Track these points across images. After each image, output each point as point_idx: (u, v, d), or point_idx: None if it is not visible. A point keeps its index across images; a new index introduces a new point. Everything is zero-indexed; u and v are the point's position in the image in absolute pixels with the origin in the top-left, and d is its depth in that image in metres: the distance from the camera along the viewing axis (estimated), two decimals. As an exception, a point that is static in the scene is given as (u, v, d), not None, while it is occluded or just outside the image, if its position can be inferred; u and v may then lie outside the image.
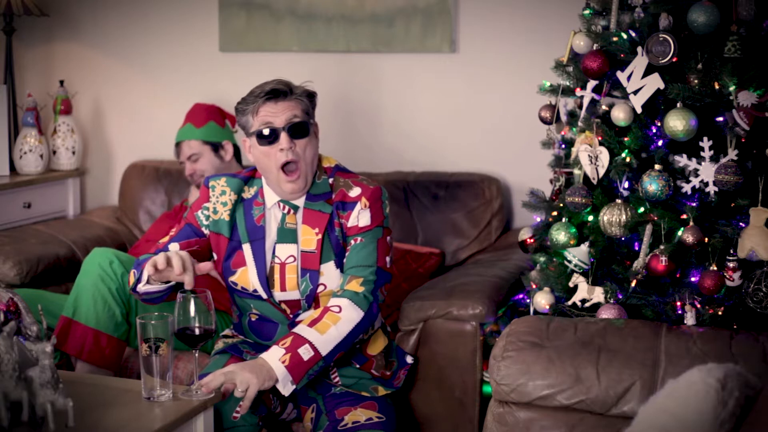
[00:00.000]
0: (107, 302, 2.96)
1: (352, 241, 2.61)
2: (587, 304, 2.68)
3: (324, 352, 2.49)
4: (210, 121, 3.65)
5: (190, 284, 2.37)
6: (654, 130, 2.60)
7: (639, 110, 2.59)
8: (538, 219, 2.96)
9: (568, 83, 2.88)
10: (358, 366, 2.68)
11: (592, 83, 2.73)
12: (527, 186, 3.09)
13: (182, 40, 4.23)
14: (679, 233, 2.53)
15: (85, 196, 4.40)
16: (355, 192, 2.63)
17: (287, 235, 2.63)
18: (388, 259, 2.63)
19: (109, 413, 2.22)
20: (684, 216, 2.53)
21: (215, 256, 2.69)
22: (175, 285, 2.50)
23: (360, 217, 2.62)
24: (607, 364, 2.33)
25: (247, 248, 2.63)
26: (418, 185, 3.79)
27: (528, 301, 2.88)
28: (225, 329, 2.92)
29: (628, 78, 2.59)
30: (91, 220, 4.09)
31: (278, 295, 2.63)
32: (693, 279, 2.54)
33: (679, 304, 2.53)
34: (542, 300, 2.75)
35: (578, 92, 2.79)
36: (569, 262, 2.70)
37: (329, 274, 2.61)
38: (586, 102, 2.74)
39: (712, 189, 2.51)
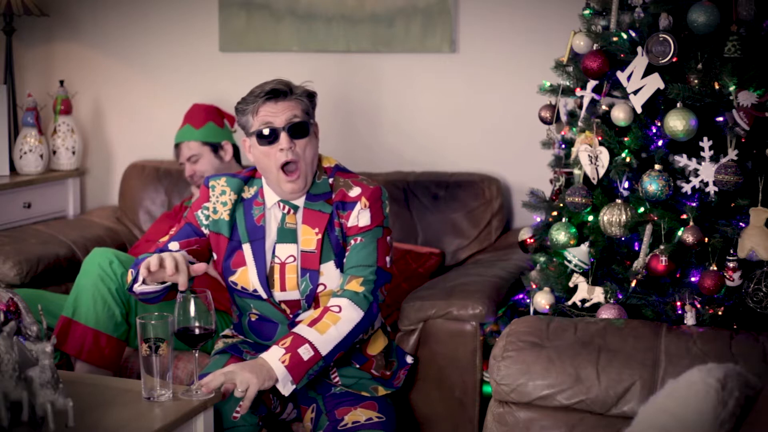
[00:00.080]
0: (107, 302, 2.96)
1: (352, 241, 2.61)
2: (587, 304, 2.68)
3: (324, 351, 2.49)
4: (209, 121, 3.65)
5: (183, 285, 2.38)
6: (654, 130, 2.60)
7: (639, 110, 2.59)
8: (538, 219, 2.96)
9: (568, 83, 2.88)
10: (358, 366, 2.68)
11: (592, 83, 2.73)
12: (527, 186, 3.09)
13: (182, 40, 4.23)
14: (679, 233, 2.53)
15: (85, 196, 4.40)
16: (355, 192, 2.63)
17: (287, 235, 2.63)
18: (388, 259, 2.63)
19: (109, 413, 2.22)
20: (684, 216, 2.53)
21: (215, 256, 2.69)
22: (172, 285, 2.50)
23: (360, 216, 2.62)
24: (607, 364, 2.33)
25: (247, 248, 2.64)
26: (418, 185, 3.79)
27: (528, 301, 2.88)
28: (225, 329, 2.92)
29: (628, 78, 2.59)
30: (91, 220, 4.09)
31: (278, 295, 2.63)
32: (693, 279, 2.54)
33: (679, 304, 2.53)
34: (542, 300, 2.75)
35: (578, 92, 2.79)
36: (569, 262, 2.70)
37: (329, 274, 2.61)
38: (586, 102, 2.74)
39: (712, 189, 2.51)
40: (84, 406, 2.21)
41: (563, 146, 2.91)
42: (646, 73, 2.56)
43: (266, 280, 2.62)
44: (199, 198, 2.70)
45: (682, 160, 2.55)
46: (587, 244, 2.70)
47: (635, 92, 2.58)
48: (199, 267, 2.45)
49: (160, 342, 2.25)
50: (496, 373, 2.41)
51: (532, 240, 2.94)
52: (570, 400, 2.34)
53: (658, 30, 2.56)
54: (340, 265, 2.62)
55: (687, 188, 2.54)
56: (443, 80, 3.93)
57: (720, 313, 2.51)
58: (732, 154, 2.48)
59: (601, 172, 2.66)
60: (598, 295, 2.65)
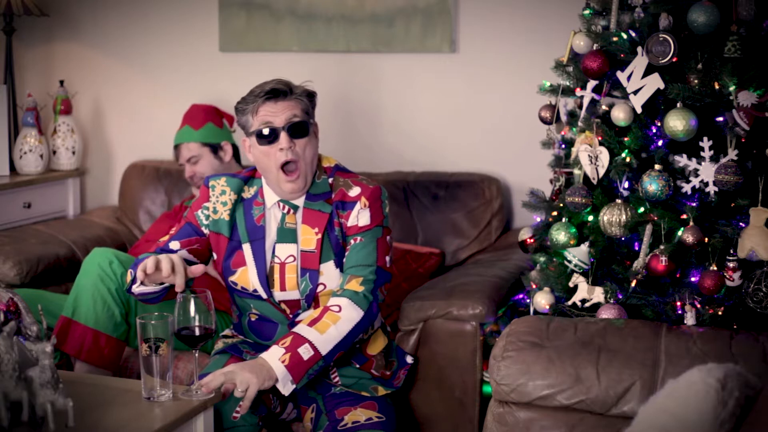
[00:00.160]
0: (107, 302, 2.96)
1: (352, 241, 2.61)
2: (587, 304, 2.68)
3: (324, 351, 2.49)
4: (208, 122, 3.65)
5: (180, 287, 2.38)
6: (654, 130, 2.60)
7: (639, 110, 2.59)
8: (538, 219, 2.96)
9: (568, 83, 2.88)
10: (358, 366, 2.68)
11: (592, 83, 2.73)
12: (527, 186, 3.09)
13: (182, 40, 4.23)
14: (679, 233, 2.53)
15: (85, 196, 4.40)
16: (354, 191, 2.63)
17: (287, 234, 2.63)
18: (387, 258, 2.63)
19: (109, 413, 2.22)
20: (684, 216, 2.53)
21: (215, 256, 2.69)
22: (170, 286, 2.50)
23: (360, 216, 2.62)
24: (607, 364, 2.33)
25: (246, 248, 2.64)
26: (418, 185, 3.79)
27: (528, 301, 2.88)
28: (225, 329, 2.92)
29: (628, 78, 2.59)
30: (91, 220, 4.09)
31: (278, 294, 2.63)
32: (693, 279, 2.54)
33: (679, 304, 2.53)
34: (542, 300, 2.75)
35: (578, 92, 2.79)
36: (569, 262, 2.70)
37: (329, 273, 2.61)
38: (586, 102, 2.74)
39: (712, 189, 2.51)
40: (84, 406, 2.21)
41: (563, 146, 2.91)
42: (646, 73, 2.56)
43: (266, 280, 2.62)
44: (199, 198, 2.70)
45: (682, 160, 2.55)
46: (587, 244, 2.70)
47: (635, 92, 2.58)
48: (197, 268, 2.45)
49: (160, 342, 2.25)
50: (496, 373, 2.41)
51: (532, 240, 2.94)
52: (570, 400, 2.34)
53: (658, 30, 2.56)
54: (339, 265, 2.62)
55: (687, 188, 2.54)
56: (443, 80, 3.93)
57: (720, 313, 2.51)
58: (732, 154, 2.48)
59: (601, 172, 2.65)
60: (598, 295, 2.65)
